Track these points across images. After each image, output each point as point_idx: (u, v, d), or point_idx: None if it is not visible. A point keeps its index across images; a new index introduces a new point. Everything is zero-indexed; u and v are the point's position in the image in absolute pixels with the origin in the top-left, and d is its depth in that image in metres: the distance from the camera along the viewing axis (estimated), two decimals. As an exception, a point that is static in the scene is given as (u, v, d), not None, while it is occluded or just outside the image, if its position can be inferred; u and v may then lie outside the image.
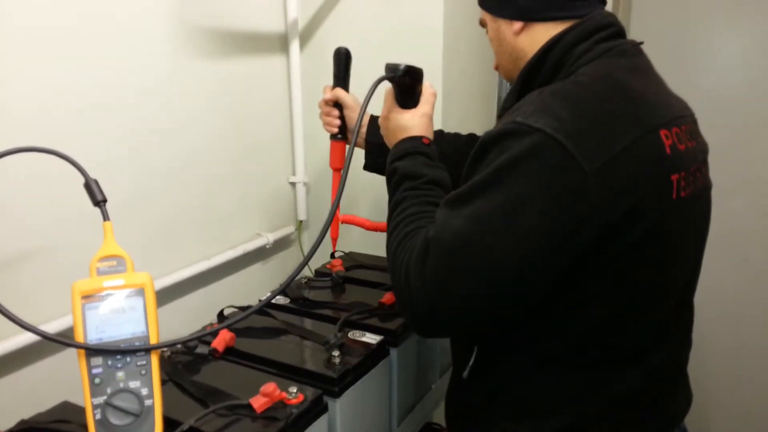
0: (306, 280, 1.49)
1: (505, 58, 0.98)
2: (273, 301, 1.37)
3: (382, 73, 1.03)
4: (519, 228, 0.74)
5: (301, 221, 1.83)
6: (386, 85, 1.07)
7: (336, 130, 1.29)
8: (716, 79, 2.33)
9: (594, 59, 0.86)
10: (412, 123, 1.03)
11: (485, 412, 0.97)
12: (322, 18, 1.69)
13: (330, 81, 1.30)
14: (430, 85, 1.08)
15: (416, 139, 1.01)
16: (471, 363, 0.96)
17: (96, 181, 0.92)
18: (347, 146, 1.30)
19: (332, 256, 1.67)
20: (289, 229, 1.79)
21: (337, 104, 1.28)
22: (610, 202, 0.76)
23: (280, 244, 1.77)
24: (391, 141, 1.06)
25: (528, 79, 0.92)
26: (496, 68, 1.05)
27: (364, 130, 1.27)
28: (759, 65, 2.25)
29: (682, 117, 0.88)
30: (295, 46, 1.69)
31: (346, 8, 1.66)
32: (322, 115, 1.31)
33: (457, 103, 1.68)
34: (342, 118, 1.28)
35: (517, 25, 0.93)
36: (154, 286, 1.32)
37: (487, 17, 0.99)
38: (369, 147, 1.27)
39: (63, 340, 0.84)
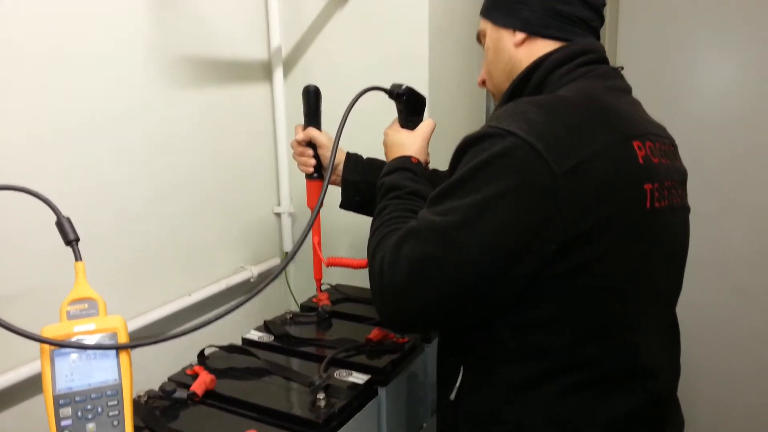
0: (291, 316, 1.44)
1: (499, 68, 1.00)
2: (256, 338, 1.33)
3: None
4: (489, 223, 0.78)
5: (286, 253, 1.78)
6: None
7: (311, 169, 1.27)
8: (705, 104, 2.34)
9: (575, 79, 0.90)
10: (407, 142, 1.10)
11: None
12: (306, 45, 1.67)
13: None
14: (431, 119, 1.16)
15: (405, 158, 1.07)
16: (457, 383, 0.96)
17: (68, 219, 0.88)
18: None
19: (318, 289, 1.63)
20: (274, 261, 1.74)
21: (311, 143, 1.25)
22: (578, 206, 0.77)
23: (265, 278, 1.71)
24: (388, 156, 1.13)
25: (514, 94, 0.95)
26: (482, 83, 1.08)
27: (340, 167, 1.25)
28: (746, 90, 2.27)
29: (657, 135, 0.90)
30: (278, 73, 1.66)
31: (330, 35, 1.64)
32: (295, 156, 1.29)
33: (443, 129, 1.65)
34: (317, 156, 1.26)
35: (520, 36, 0.96)
36: (131, 324, 1.29)
37: (488, 27, 1.01)
38: (345, 185, 1.25)
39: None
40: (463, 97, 1.78)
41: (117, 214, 1.27)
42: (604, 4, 0.97)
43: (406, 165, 1.05)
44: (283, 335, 1.32)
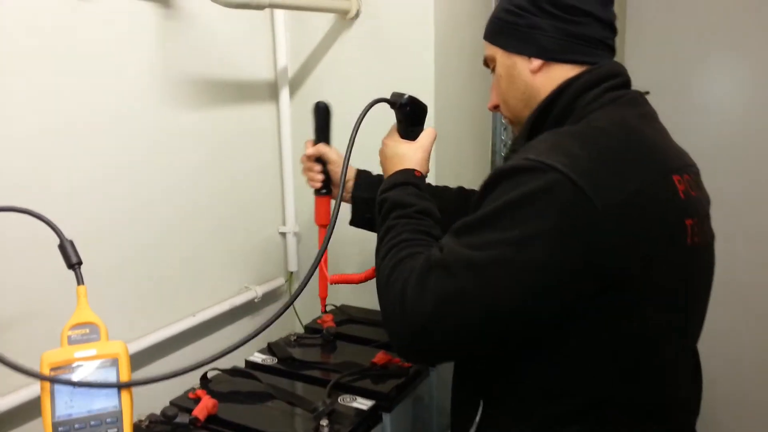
0: (296, 338, 1.42)
1: (516, 97, 0.96)
2: (259, 361, 1.31)
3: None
4: (527, 261, 0.74)
5: (291, 273, 1.77)
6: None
7: (320, 185, 1.25)
8: (715, 125, 2.31)
9: (604, 105, 0.87)
10: (408, 153, 1.05)
11: None
12: (312, 66, 1.67)
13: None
14: (432, 128, 1.11)
15: (408, 172, 1.02)
16: (477, 420, 0.91)
17: (71, 242, 0.87)
18: (332, 201, 1.26)
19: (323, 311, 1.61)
20: (279, 281, 1.72)
21: (320, 159, 1.23)
22: (621, 243, 0.75)
23: (270, 297, 1.70)
24: (386, 168, 1.07)
25: (538, 121, 0.91)
26: (494, 108, 1.04)
27: (350, 184, 1.24)
28: (759, 112, 2.24)
29: (689, 166, 0.88)
30: (285, 93, 1.66)
31: (337, 55, 1.63)
32: (304, 171, 1.27)
33: (450, 148, 1.65)
34: (326, 172, 1.24)
35: (536, 63, 0.92)
36: (135, 345, 1.28)
37: (498, 53, 0.97)
38: (356, 202, 1.23)
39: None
40: (469, 113, 1.77)
41: (124, 237, 1.26)
42: (615, 17, 0.94)
43: (409, 179, 1.01)
44: (287, 358, 1.31)
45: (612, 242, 0.74)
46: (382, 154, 1.09)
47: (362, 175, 1.25)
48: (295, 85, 1.69)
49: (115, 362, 0.82)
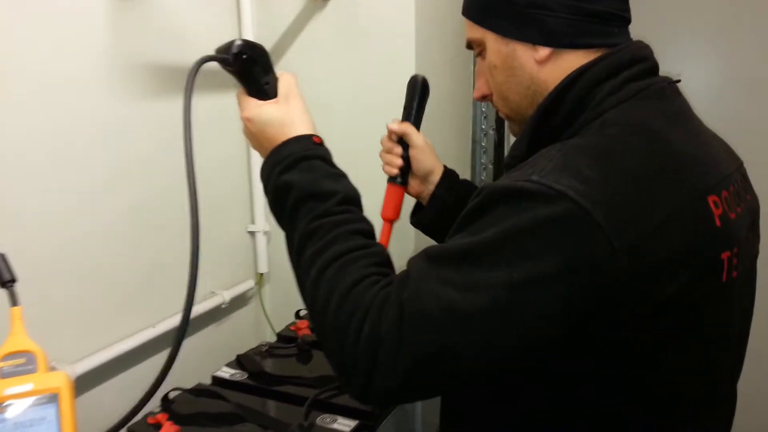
0: (267, 347, 1.31)
1: (518, 92, 0.79)
2: (227, 377, 1.20)
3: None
4: (527, 309, 0.62)
5: (261, 274, 1.65)
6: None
7: (396, 171, 1.04)
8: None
9: (623, 101, 0.71)
10: (285, 114, 0.81)
11: None
12: (281, 50, 1.54)
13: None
14: (287, 72, 0.87)
15: (304, 140, 0.79)
16: None
17: (3, 256, 0.75)
18: (405, 193, 1.07)
19: (297, 315, 1.50)
20: (248, 284, 1.60)
21: (402, 141, 1.05)
22: (642, 286, 0.62)
23: (238, 302, 1.58)
24: (264, 146, 0.82)
25: (542, 122, 0.74)
26: (483, 98, 0.87)
27: (434, 177, 1.06)
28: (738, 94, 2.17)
29: (729, 176, 0.74)
30: (252, 81, 1.53)
31: (309, 39, 1.51)
32: (382, 153, 1.07)
33: (432, 139, 1.54)
34: (406, 158, 1.05)
35: (544, 52, 0.75)
36: (86, 363, 1.15)
37: (491, 38, 0.78)
38: (433, 202, 1.06)
39: None
40: (452, 98, 1.67)
41: (70, 240, 1.13)
42: None
43: (309, 150, 0.78)
44: (258, 372, 1.19)
45: (630, 286, 0.62)
46: (250, 133, 0.84)
47: (450, 174, 1.08)
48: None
49: (54, 398, 0.70)
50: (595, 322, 0.63)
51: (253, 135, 0.83)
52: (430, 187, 1.06)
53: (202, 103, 1.42)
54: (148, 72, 1.27)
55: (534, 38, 0.75)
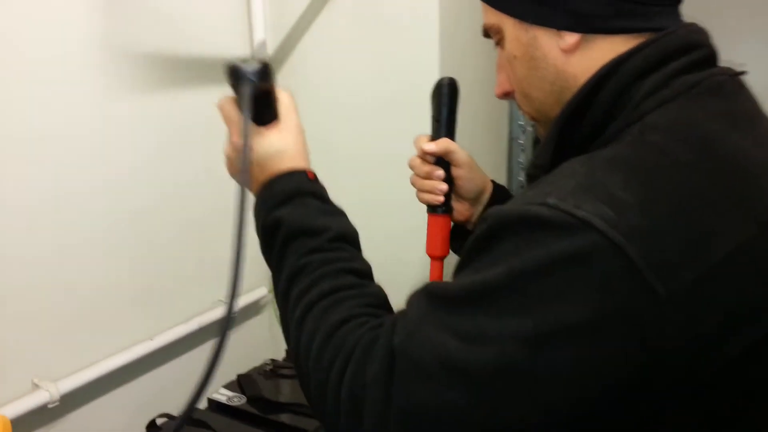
0: (271, 367, 1.20)
1: (542, 88, 0.66)
2: (224, 400, 1.09)
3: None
4: (547, 369, 0.48)
5: (275, 280, 1.55)
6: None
7: (442, 199, 0.86)
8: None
9: (670, 100, 0.56)
10: (286, 145, 0.72)
11: None
12: (294, 41, 1.43)
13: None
14: (281, 91, 0.75)
15: (297, 175, 0.71)
16: None
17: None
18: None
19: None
20: (261, 291, 1.50)
21: (442, 160, 0.87)
22: (693, 347, 0.48)
23: (250, 311, 1.49)
24: (254, 175, 0.73)
25: (569, 125, 0.62)
26: (505, 96, 0.73)
27: (485, 197, 0.91)
28: None
29: None
30: (265, 74, 1.43)
31: (323, 29, 1.40)
32: (416, 179, 0.90)
33: (462, 141, 1.41)
34: (448, 180, 0.88)
35: (572, 39, 0.61)
36: (76, 379, 1.07)
37: (509, 24, 0.66)
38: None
39: None
40: (483, 94, 1.52)
41: (63, 246, 1.06)
42: None
43: (303, 187, 0.70)
44: (257, 398, 1.08)
45: (678, 345, 0.48)
46: (252, 163, 0.73)
47: (499, 188, 0.93)
48: (275, 63, 1.46)
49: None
50: (640, 392, 0.49)
51: (252, 165, 0.73)
52: (480, 209, 0.90)
53: (206, 99, 1.34)
54: (153, 66, 1.20)
55: (559, 22, 0.61)
